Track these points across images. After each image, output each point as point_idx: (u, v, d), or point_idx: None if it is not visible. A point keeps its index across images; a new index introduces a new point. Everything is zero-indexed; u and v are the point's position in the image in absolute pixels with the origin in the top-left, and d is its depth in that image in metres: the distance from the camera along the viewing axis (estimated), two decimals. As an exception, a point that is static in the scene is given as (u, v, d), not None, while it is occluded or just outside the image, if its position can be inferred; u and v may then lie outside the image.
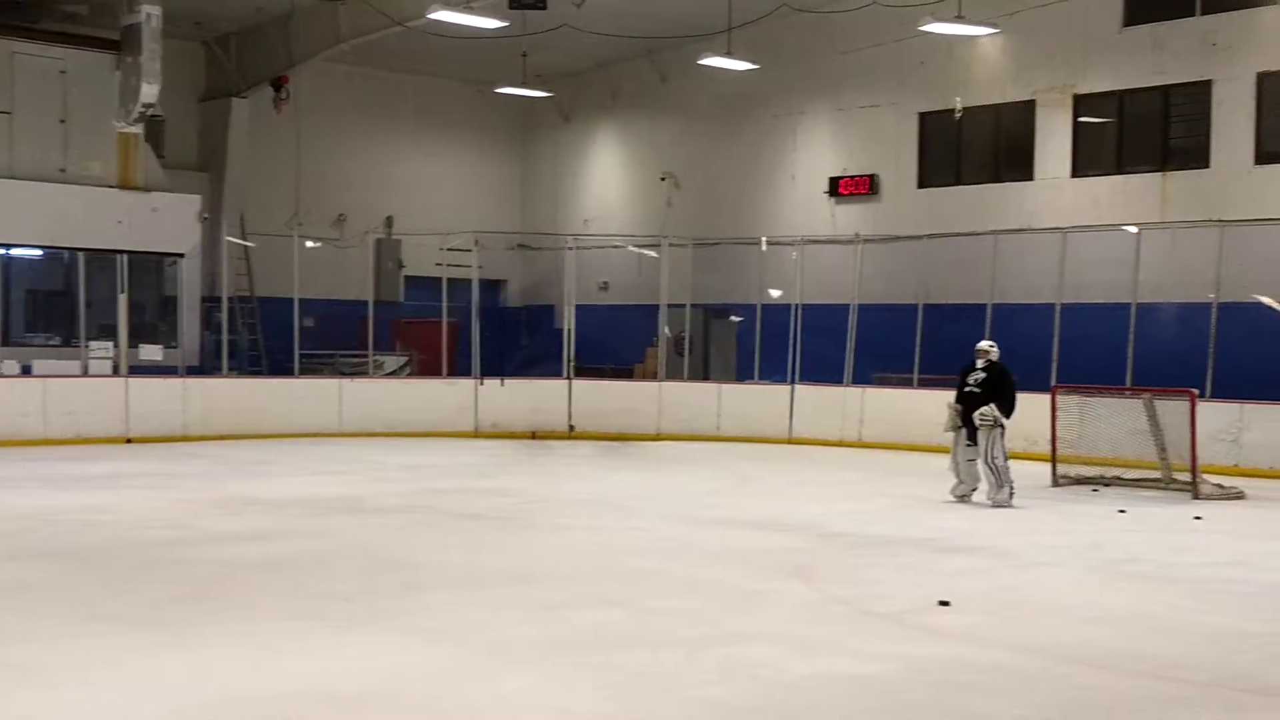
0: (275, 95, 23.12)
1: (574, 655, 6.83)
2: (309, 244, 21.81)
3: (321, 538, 10.66)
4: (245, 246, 22.75)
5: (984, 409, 13.18)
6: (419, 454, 17.64)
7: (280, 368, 21.58)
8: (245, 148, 23.88)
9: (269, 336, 22.70)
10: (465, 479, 15.05)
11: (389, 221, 25.94)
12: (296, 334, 20.54)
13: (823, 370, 20.73)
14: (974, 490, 13.48)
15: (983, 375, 13.39)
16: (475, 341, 20.95)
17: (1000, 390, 13.32)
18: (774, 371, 21.31)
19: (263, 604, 8.03)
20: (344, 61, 24.07)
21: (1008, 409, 13.27)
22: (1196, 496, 13.82)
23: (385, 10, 20.24)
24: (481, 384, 20.55)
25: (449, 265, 21.64)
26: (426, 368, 22.52)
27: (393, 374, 22.44)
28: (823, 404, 20.20)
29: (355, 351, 22.22)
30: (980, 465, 13.28)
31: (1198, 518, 10.77)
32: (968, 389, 13.42)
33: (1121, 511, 13.00)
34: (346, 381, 20.71)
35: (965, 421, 13.38)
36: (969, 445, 13.43)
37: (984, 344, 13.70)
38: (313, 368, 21.66)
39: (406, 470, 15.75)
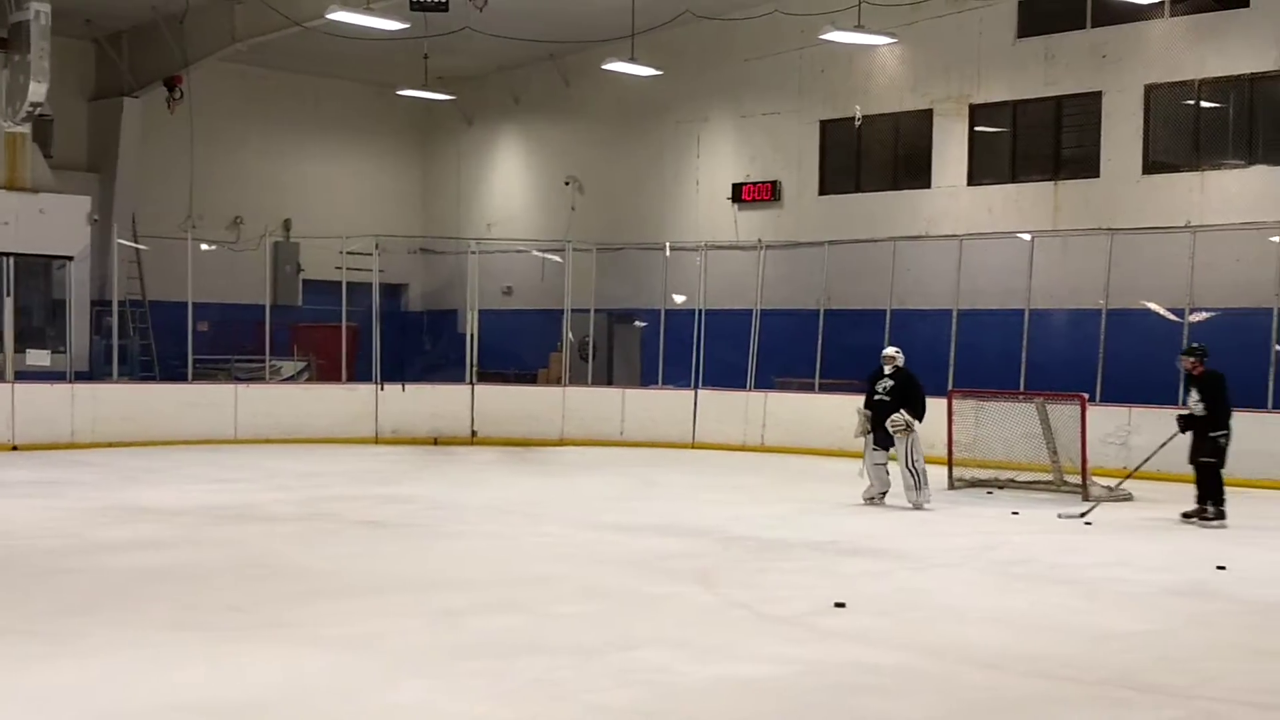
0: (169, 95, 22.66)
1: (472, 662, 6.77)
2: (204, 247, 21.38)
3: (214, 547, 10.46)
4: (137, 249, 22.26)
5: (895, 416, 13.39)
6: (317, 461, 17.39)
7: (173, 373, 21.14)
8: (137, 148, 23.38)
9: (161, 341, 22.23)
10: (364, 486, 14.87)
11: (287, 224, 25.57)
12: (190, 339, 20.12)
13: (726, 375, 20.86)
14: (884, 493, 13.67)
15: (891, 383, 13.57)
16: (376, 346, 20.71)
17: (909, 395, 13.54)
18: (678, 376, 21.39)
19: (154, 614, 7.85)
20: (240, 61, 23.66)
21: (919, 412, 13.50)
22: (1086, 498, 14.11)
23: (283, 10, 19.95)
24: (382, 389, 20.32)
25: (349, 269, 21.37)
26: (325, 373, 22.22)
27: (290, 379, 22.11)
28: (726, 408, 20.31)
29: (251, 357, 21.84)
30: (901, 469, 13.47)
31: (1088, 523, 11.01)
32: (877, 397, 13.59)
33: (1015, 513, 13.25)
34: (242, 387, 20.35)
35: (875, 427, 13.55)
36: (877, 450, 13.61)
37: (889, 350, 13.87)
38: (207, 373, 21.26)
39: (303, 477, 15.52)
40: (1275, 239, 16.93)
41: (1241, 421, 16.13)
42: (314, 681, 6.44)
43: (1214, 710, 6.21)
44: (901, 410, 13.41)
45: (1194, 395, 12.64)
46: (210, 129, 24.43)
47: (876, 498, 13.69)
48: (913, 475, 13.38)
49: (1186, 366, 12.85)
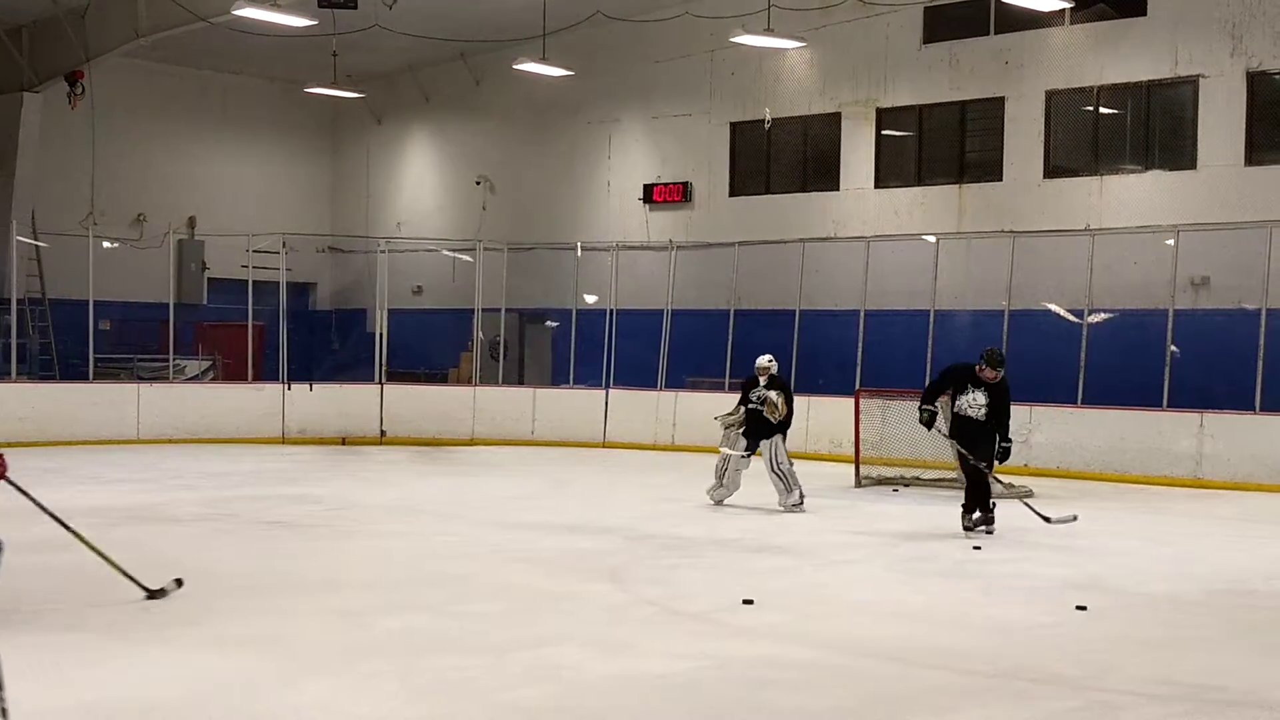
0: (70, 90, 22.18)
1: (378, 662, 6.72)
2: (106, 244, 21.00)
3: (115, 547, 10.18)
4: (36, 246, 21.78)
5: (770, 395, 13.13)
6: (222, 461, 17.14)
7: (74, 372, 20.73)
8: (37, 144, 22.84)
9: (62, 340, 21.79)
10: (270, 486, 14.69)
11: (191, 222, 25.17)
12: (91, 337, 19.74)
13: (637, 374, 20.93)
14: (731, 495, 13.51)
15: (766, 393, 13.29)
16: (282, 345, 20.47)
17: (784, 399, 13.31)
18: (589, 376, 21.42)
19: (53, 616, 7.70)
20: (145, 57, 23.25)
21: (790, 418, 13.31)
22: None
23: (187, 5, 19.62)
24: (289, 389, 20.08)
25: (255, 267, 21.10)
26: (231, 372, 21.92)
27: (194, 379, 21.77)
28: (636, 408, 20.37)
29: (155, 356, 21.47)
30: (768, 474, 13.30)
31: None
32: (752, 405, 13.38)
33: (894, 490, 13.44)
34: (145, 386, 19.99)
35: (747, 435, 13.36)
36: (745, 456, 13.43)
37: (764, 360, 13.59)
38: (109, 372, 20.86)
39: (208, 477, 15.28)
40: (1170, 242, 17.40)
41: (1139, 421, 16.67)
42: (215, 683, 6.35)
43: (1109, 700, 6.36)
44: (775, 398, 13.13)
45: (982, 398, 11.53)
46: (113, 125, 23.97)
47: (723, 500, 13.51)
48: (781, 479, 13.22)
49: (989, 377, 11.51)
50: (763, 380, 13.36)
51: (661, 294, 21.29)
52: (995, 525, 11.62)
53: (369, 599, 8.36)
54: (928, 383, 12.44)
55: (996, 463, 11.77)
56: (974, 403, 11.58)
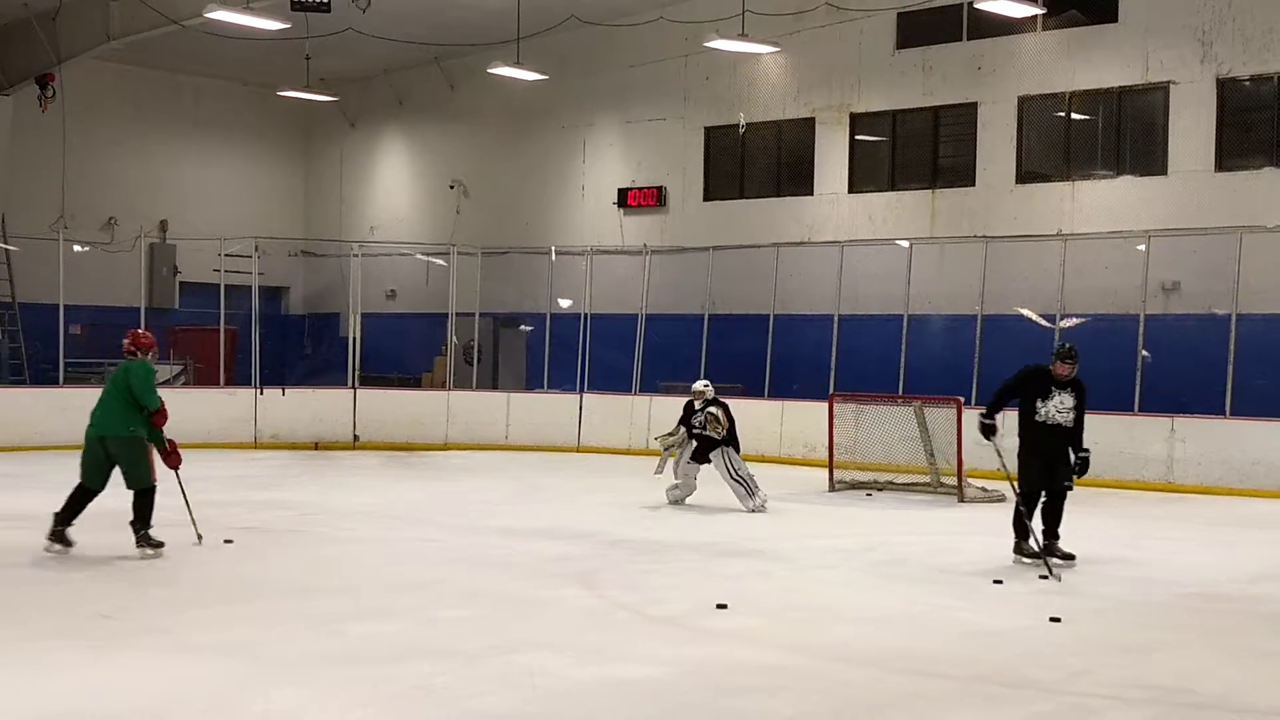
0: (41, 93, 22.01)
1: (350, 669, 6.69)
2: (76, 248, 20.83)
3: (84, 553, 10.18)
4: (6, 250, 21.62)
5: (712, 410, 13.49)
6: (193, 466, 16.73)
7: (44, 377, 20.55)
8: (8, 147, 22.65)
9: (32, 344, 21.59)
10: (242, 491, 14.60)
11: (163, 225, 25.00)
12: (62, 341, 19.58)
13: (611, 379, 20.91)
14: (690, 495, 13.75)
15: (704, 418, 13.55)
16: (255, 349, 20.37)
17: (730, 428, 13.58)
18: (563, 380, 21.39)
19: (22, 622, 7.63)
20: (116, 60, 23.10)
21: (734, 441, 13.55)
22: (962, 500, 14.43)
23: (160, 8, 19.51)
24: (261, 393, 19.98)
25: (227, 271, 21.00)
26: (203, 377, 21.77)
27: (166, 383, 21.58)
28: (611, 412, 20.35)
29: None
30: (728, 484, 13.48)
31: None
32: (695, 430, 13.61)
33: (868, 494, 13.46)
34: (116, 391, 19.82)
35: (696, 455, 13.60)
36: (691, 463, 13.66)
37: (699, 385, 13.91)
38: (79, 377, 20.65)
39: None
40: (1141, 247, 17.51)
41: (1110, 425, 16.74)
42: (185, 690, 6.31)
43: (1082, 704, 6.39)
44: (717, 412, 13.46)
45: (1069, 399, 10.32)
46: (84, 128, 23.81)
47: (682, 500, 13.76)
48: (741, 484, 13.41)
49: (1064, 374, 10.36)
50: (698, 404, 13.68)
51: (636, 298, 21.29)
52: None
53: (341, 605, 8.32)
54: (998, 389, 10.74)
55: (1070, 481, 10.36)
56: (1062, 406, 10.27)
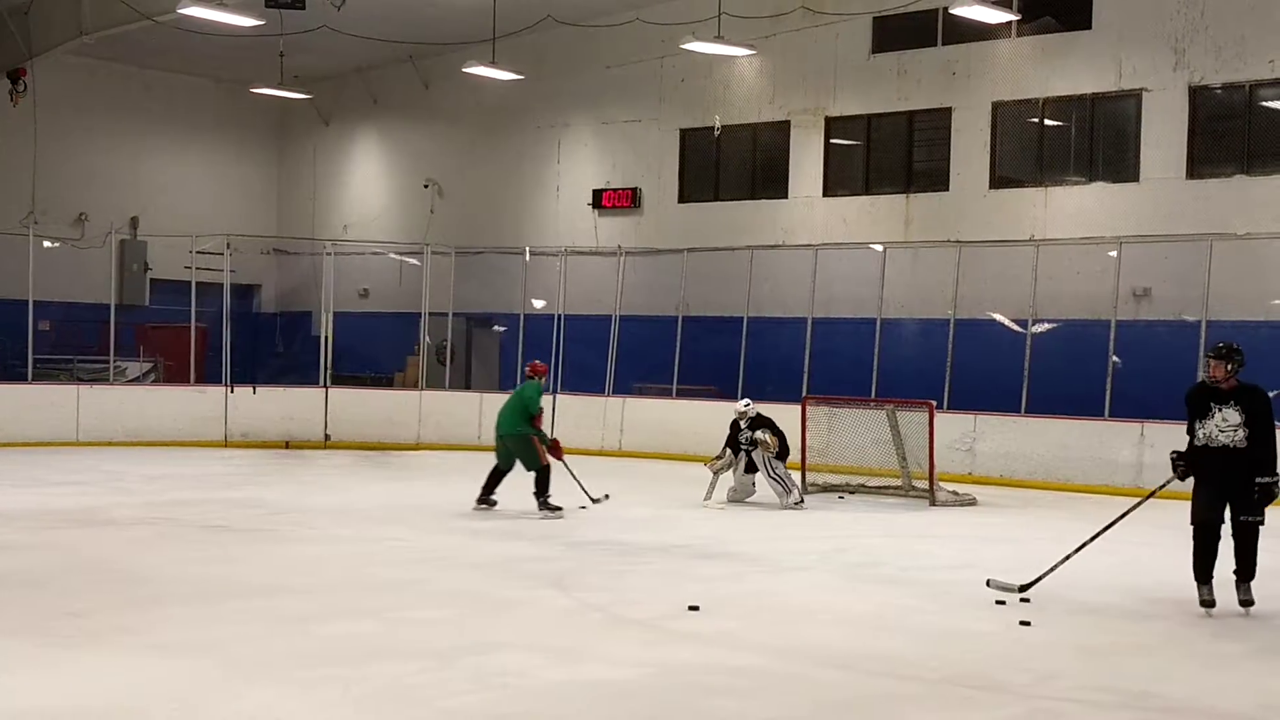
0: (12, 88, 21.89)
1: (321, 669, 6.65)
2: (46, 243, 20.70)
3: (52, 551, 10.11)
4: (-24, 245, 21.42)
5: (759, 436, 14.04)
6: (163, 464, 16.92)
7: (12, 373, 20.37)
8: (-23, 140, 22.51)
9: (0, 341, 21.41)
10: (211, 490, 14.52)
11: (134, 222, 24.82)
12: (31, 338, 19.45)
13: (585, 380, 20.88)
14: (749, 495, 14.31)
15: (751, 433, 14.11)
16: (226, 347, 20.26)
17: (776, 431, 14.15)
18: (536, 381, 21.30)
19: (-15, 623, 7.55)
20: (88, 55, 22.91)
21: (786, 452, 14.19)
22: (934, 503, 14.48)
23: (132, 3, 19.38)
24: (232, 391, 19.86)
25: (199, 269, 20.89)
26: (173, 374, 21.64)
27: (136, 381, 21.49)
28: (584, 413, 20.31)
29: (95, 357, 21.17)
30: (767, 482, 14.01)
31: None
32: (744, 447, 14.19)
33: (840, 497, 13.75)
34: (85, 388, 19.71)
35: (749, 468, 14.18)
36: (745, 475, 14.27)
37: (741, 405, 14.35)
38: (48, 374, 20.55)
39: (148, 481, 15.08)
40: (1113, 253, 17.61)
41: (1081, 430, 16.84)
42: (154, 690, 6.26)
43: (1051, 708, 6.41)
44: (765, 437, 13.98)
45: (1235, 415, 8.49)
46: (55, 123, 23.63)
47: (743, 500, 14.30)
48: (778, 482, 13.90)
49: (1221, 377, 8.57)
50: (743, 424, 14.15)
51: (610, 299, 21.27)
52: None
53: (312, 605, 8.28)
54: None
55: (1251, 514, 8.53)
56: (1225, 424, 8.47)
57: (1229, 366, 8.52)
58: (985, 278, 18.65)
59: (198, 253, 20.92)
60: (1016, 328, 18.19)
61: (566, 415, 20.33)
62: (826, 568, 10.38)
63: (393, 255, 24.11)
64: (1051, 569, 8.55)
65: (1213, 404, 8.55)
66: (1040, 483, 16.58)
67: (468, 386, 23.20)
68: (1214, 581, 8.56)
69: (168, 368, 22.02)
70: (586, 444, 20.00)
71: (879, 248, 19.56)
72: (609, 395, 20.53)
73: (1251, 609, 8.54)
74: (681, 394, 20.28)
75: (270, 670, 6.62)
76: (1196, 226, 17.22)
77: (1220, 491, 8.51)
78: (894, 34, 20.47)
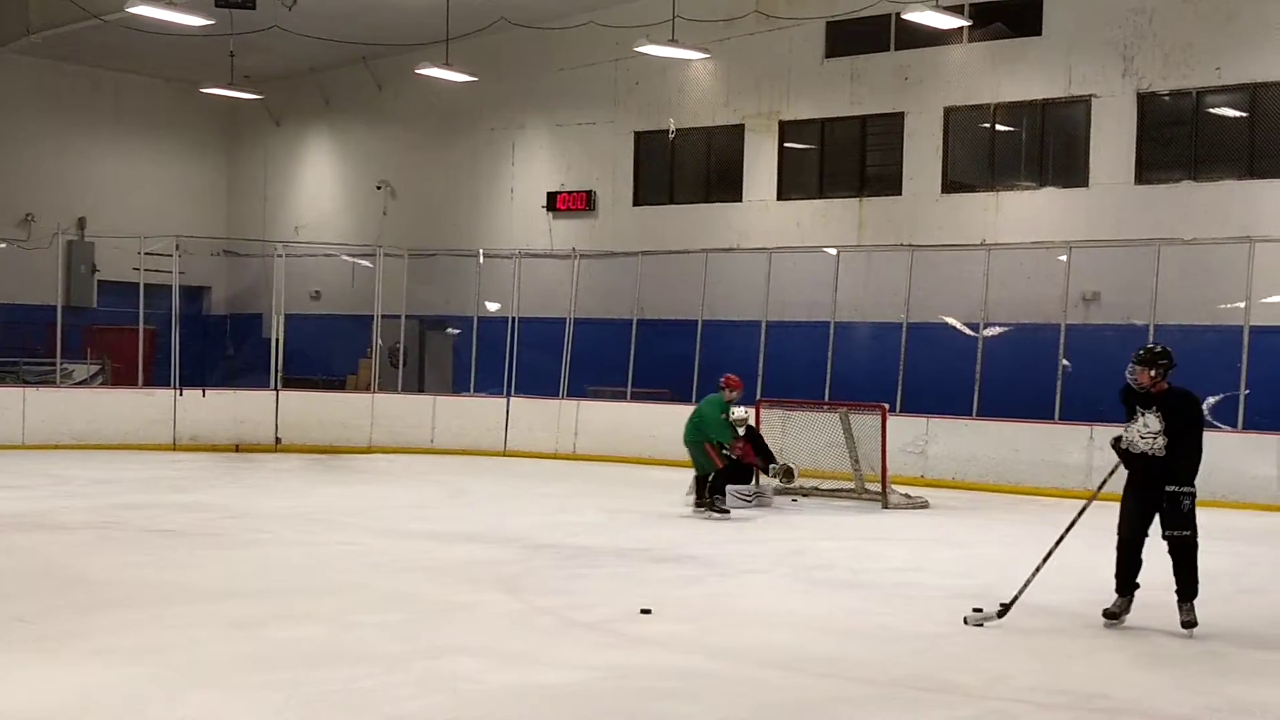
0: (-42, 86, 21.56)
1: (267, 673, 6.57)
2: (-9, 245, 20.40)
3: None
4: (-80, 245, 21.12)
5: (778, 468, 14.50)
6: (111, 467, 16.71)
7: (-43, 375, 20.08)
8: (-77, 140, 22.16)
9: (-55, 343, 21.13)
10: (160, 493, 14.34)
11: (81, 223, 24.53)
12: (-25, 340, 19.16)
13: (539, 383, 20.81)
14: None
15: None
16: (175, 350, 20.03)
17: (762, 450, 14.41)
18: (490, 384, 21.25)
19: (-78, 629, 7.41)
20: (35, 54, 22.66)
21: (772, 457, 14.57)
22: (886, 506, 14.53)
23: (80, 2, 19.14)
24: (181, 394, 19.65)
25: (147, 270, 20.64)
26: (121, 377, 21.37)
27: (83, 383, 21.21)
28: (538, 416, 20.26)
29: (42, 359, 20.89)
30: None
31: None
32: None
33: (793, 500, 14.31)
34: (31, 390, 19.45)
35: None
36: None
37: (741, 413, 14.22)
38: (-7, 375, 20.25)
39: (96, 484, 14.89)
40: (1063, 258, 17.76)
41: (1031, 433, 16.96)
42: (100, 695, 6.17)
43: (1001, 709, 6.44)
44: (764, 461, 14.36)
45: (1154, 422, 8.12)
46: (2, 122, 23.32)
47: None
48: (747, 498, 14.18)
49: (1144, 383, 8.19)
50: (741, 431, 14.19)
51: (564, 302, 21.22)
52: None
53: (259, 609, 8.19)
54: None
55: (1174, 528, 8.05)
56: (1145, 430, 8.11)
57: (1153, 372, 8.15)
58: (937, 281, 18.76)
59: (146, 254, 20.68)
60: (968, 331, 18.30)
61: (520, 418, 20.32)
62: (779, 570, 10.38)
63: (345, 257, 23.94)
64: (1025, 585, 8.39)
65: (1138, 408, 8.23)
66: (991, 485, 16.69)
67: (421, 389, 23.06)
68: (1135, 595, 8.28)
69: (115, 370, 21.75)
70: (540, 447, 19.98)
71: (832, 251, 19.63)
72: (563, 398, 20.47)
73: (1195, 630, 8.04)
74: (636, 397, 20.25)
75: (215, 675, 6.54)
76: (1144, 232, 17.40)
77: (1143, 504, 8.21)
78: (847, 39, 20.55)
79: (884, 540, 12.38)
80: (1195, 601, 8.15)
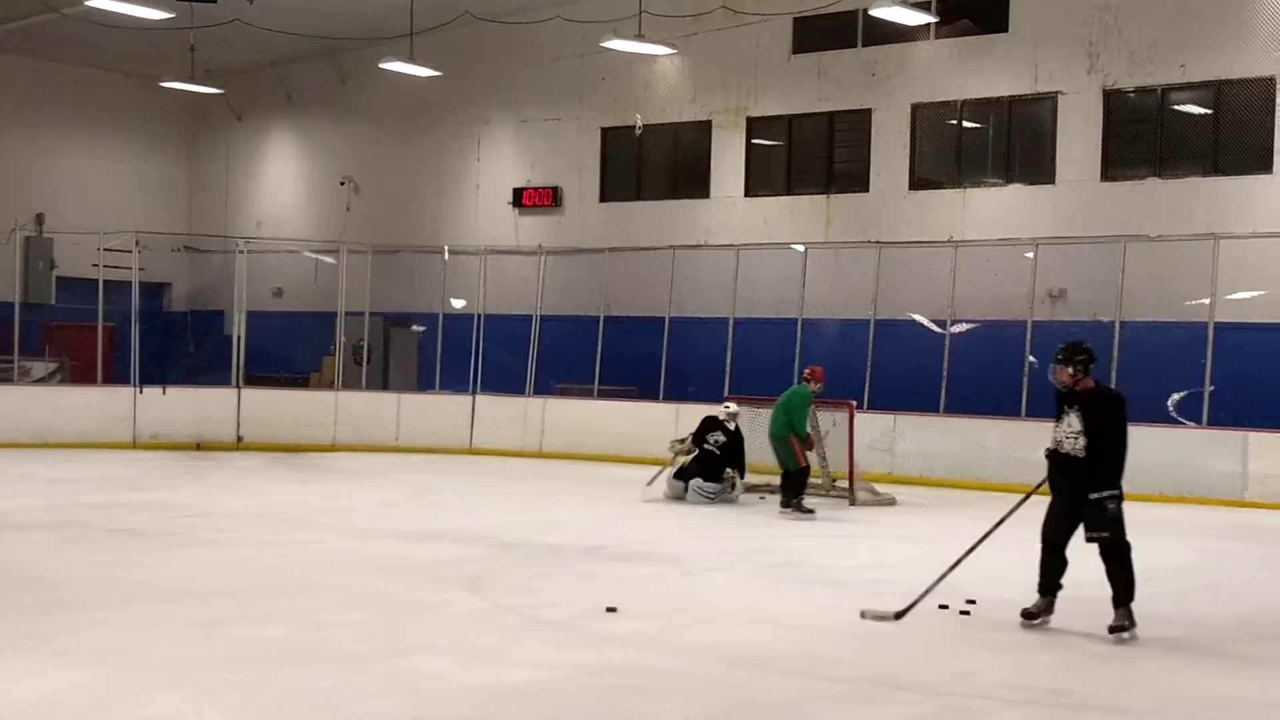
0: (-88, 79, 21.23)
1: (229, 673, 6.46)
2: (-54, 241, 20.09)
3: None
4: (-127, 241, 20.77)
5: (727, 475, 14.34)
6: (69, 466, 16.48)
7: (-88, 373, 19.77)
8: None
9: (-101, 340, 20.78)
10: (119, 492, 14.15)
11: (40, 218, 24.20)
12: (-69, 337, 18.87)
13: (505, 380, 20.70)
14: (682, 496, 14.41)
15: (723, 439, 14.37)
16: (135, 347, 19.79)
17: (738, 455, 14.45)
18: (456, 381, 21.11)
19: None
20: (-8, 47, 22.36)
21: (743, 470, 14.56)
22: (854, 503, 14.50)
23: (39, -7, 18.93)
24: (141, 392, 19.40)
25: (107, 266, 20.36)
26: (80, 375, 21.12)
27: (41, 381, 20.94)
28: (504, 414, 20.14)
29: (-1, 357, 20.59)
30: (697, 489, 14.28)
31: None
32: (707, 446, 14.40)
33: (761, 498, 14.27)
34: (-12, 389, 19.17)
35: (701, 471, 14.33)
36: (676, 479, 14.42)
37: (732, 407, 14.64)
38: (-51, 373, 19.95)
39: (54, 484, 14.67)
40: (1029, 255, 17.80)
41: (998, 429, 16.98)
42: (60, 697, 6.06)
43: (965, 705, 6.41)
44: (731, 471, 14.31)
45: (1076, 421, 8.00)
46: (-42, 116, 23.01)
47: (682, 494, 14.42)
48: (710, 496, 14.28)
49: (1065, 382, 8.10)
50: (726, 421, 14.42)
51: (530, 299, 21.10)
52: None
53: (222, 608, 8.06)
54: None
55: (1095, 530, 7.85)
56: (1069, 429, 7.97)
57: (1071, 369, 7.99)
58: (905, 278, 18.77)
59: (106, 250, 20.42)
60: (935, 328, 18.31)
61: (486, 416, 20.19)
62: (746, 568, 10.33)
63: (308, 254, 23.74)
64: (926, 591, 8.29)
65: (1065, 406, 8.05)
66: (959, 481, 16.70)
67: (385, 387, 22.91)
68: (1058, 595, 8.06)
69: (74, 368, 21.49)
70: (506, 445, 19.87)
71: (800, 248, 19.61)
72: (529, 396, 20.36)
73: (1126, 635, 7.72)
74: (603, 394, 20.17)
75: (178, 675, 6.43)
76: (1111, 228, 17.46)
77: (1066, 505, 8.01)
78: (814, 35, 20.54)
79: (850, 537, 12.36)
80: (1133, 605, 7.83)
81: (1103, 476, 7.83)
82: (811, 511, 13.35)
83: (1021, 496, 8.50)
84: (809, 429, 13.79)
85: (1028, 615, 8.10)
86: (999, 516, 8.53)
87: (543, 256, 21.42)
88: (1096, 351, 8.34)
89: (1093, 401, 7.93)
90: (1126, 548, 7.89)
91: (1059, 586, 8.12)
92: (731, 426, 14.47)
